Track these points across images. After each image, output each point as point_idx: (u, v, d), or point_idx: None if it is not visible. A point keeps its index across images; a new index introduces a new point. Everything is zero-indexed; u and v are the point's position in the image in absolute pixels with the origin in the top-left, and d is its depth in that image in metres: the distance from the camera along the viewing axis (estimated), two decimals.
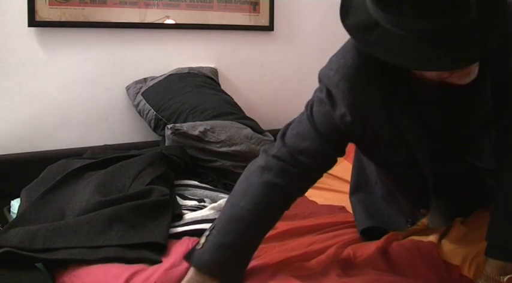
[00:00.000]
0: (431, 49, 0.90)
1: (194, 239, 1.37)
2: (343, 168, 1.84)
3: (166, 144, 2.02)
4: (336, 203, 1.75)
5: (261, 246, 1.22)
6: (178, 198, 1.67)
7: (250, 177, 1.21)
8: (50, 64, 2.13)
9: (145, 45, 2.32)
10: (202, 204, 1.67)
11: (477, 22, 0.89)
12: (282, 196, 1.20)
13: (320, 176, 1.25)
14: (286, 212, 1.25)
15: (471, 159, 1.25)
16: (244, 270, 1.19)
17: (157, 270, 1.23)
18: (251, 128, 2.15)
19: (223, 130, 2.03)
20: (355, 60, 1.08)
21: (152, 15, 2.30)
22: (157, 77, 2.29)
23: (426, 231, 1.41)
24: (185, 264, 1.22)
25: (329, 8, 2.66)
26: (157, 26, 2.33)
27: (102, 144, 2.16)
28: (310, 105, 1.19)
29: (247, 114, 2.30)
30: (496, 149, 1.20)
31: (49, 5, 2.07)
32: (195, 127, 2.00)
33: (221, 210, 1.24)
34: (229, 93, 2.36)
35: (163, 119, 2.16)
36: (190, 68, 2.36)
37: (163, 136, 2.08)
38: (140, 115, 2.25)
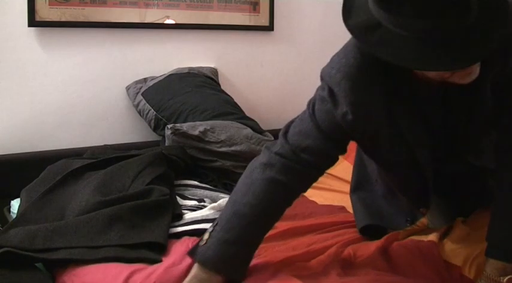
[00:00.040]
0: (431, 49, 0.90)
1: (194, 239, 1.37)
2: (343, 168, 1.84)
3: (166, 144, 2.02)
4: (336, 203, 1.75)
5: (261, 245, 1.23)
6: (178, 198, 1.67)
7: (252, 173, 1.21)
8: (50, 64, 2.13)
9: (145, 45, 2.32)
10: (202, 204, 1.67)
11: (478, 22, 0.89)
12: (284, 193, 1.21)
13: (322, 173, 1.26)
14: (286, 212, 1.25)
15: (471, 159, 1.26)
16: (247, 266, 1.20)
17: (157, 269, 1.23)
18: (251, 128, 2.15)
19: (223, 130, 2.03)
20: (357, 59, 1.08)
21: (152, 15, 2.30)
22: (157, 77, 2.29)
23: (426, 231, 1.42)
24: (185, 263, 1.22)
25: (329, 8, 2.67)
26: (157, 26, 2.33)
27: (102, 144, 2.16)
28: (312, 103, 1.20)
29: (247, 114, 2.30)
30: (496, 149, 1.20)
31: (49, 5, 2.07)
32: (195, 127, 2.00)
33: (224, 207, 1.24)
34: (229, 93, 2.36)
35: (163, 119, 2.16)
36: (190, 68, 2.36)
37: (163, 136, 2.08)
38: (140, 115, 2.25)
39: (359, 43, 1.02)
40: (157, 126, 2.19)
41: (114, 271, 1.24)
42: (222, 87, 2.40)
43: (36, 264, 1.33)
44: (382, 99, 1.10)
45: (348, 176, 1.58)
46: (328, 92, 1.13)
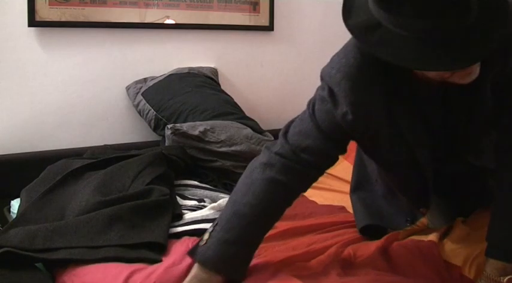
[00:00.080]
0: (431, 49, 0.90)
1: (194, 239, 1.37)
2: (343, 168, 1.84)
3: (166, 144, 2.02)
4: (336, 203, 1.75)
5: (261, 245, 1.23)
6: (178, 198, 1.67)
7: (252, 173, 1.21)
8: (50, 64, 2.13)
9: (145, 45, 2.32)
10: (202, 204, 1.67)
11: (478, 22, 0.89)
12: (284, 193, 1.21)
13: (322, 173, 1.26)
14: (286, 212, 1.25)
15: (471, 159, 1.26)
16: (247, 266, 1.20)
17: (157, 269, 1.23)
18: (251, 128, 2.15)
19: (223, 130, 2.03)
20: (357, 59, 1.08)
21: (152, 15, 2.30)
22: (157, 77, 2.29)
23: (426, 231, 1.42)
24: (185, 263, 1.22)
25: (329, 8, 2.67)
26: (157, 26, 2.33)
27: (102, 144, 2.16)
28: (312, 103, 1.20)
29: (247, 114, 2.30)
30: (496, 149, 1.20)
31: (49, 5, 2.07)
32: (195, 127, 2.00)
33: (224, 207, 1.24)
34: (229, 93, 2.36)
35: (163, 119, 2.16)
36: (190, 68, 2.36)
37: (163, 136, 2.08)
38: (140, 115, 2.25)
39: (359, 43, 1.02)
40: (157, 126, 2.19)
41: (114, 271, 1.24)
42: (222, 87, 2.40)
43: (36, 264, 1.33)
44: (382, 99, 1.10)
45: (348, 176, 1.58)
46: (328, 91, 1.13)
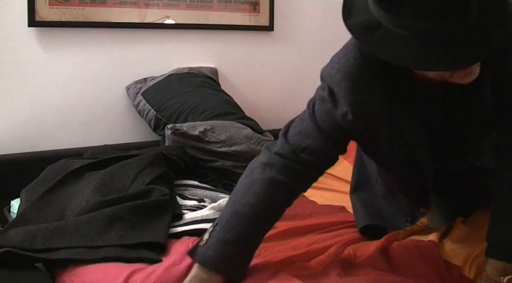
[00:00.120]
0: (431, 49, 0.90)
1: (194, 239, 1.37)
2: (343, 168, 1.84)
3: (166, 144, 2.02)
4: (336, 203, 1.75)
5: (261, 245, 1.23)
6: (178, 198, 1.67)
7: (252, 173, 1.21)
8: (50, 64, 2.13)
9: (145, 45, 2.32)
10: (202, 204, 1.67)
11: (478, 22, 0.89)
12: (284, 193, 1.21)
13: (322, 173, 1.26)
14: (286, 212, 1.25)
15: (471, 159, 1.26)
16: (247, 266, 1.20)
17: (157, 269, 1.23)
18: (251, 128, 2.15)
19: (223, 130, 2.03)
20: (357, 59, 1.08)
21: (152, 15, 2.30)
22: (157, 77, 2.29)
23: (426, 231, 1.42)
24: (185, 263, 1.22)
25: (329, 8, 2.67)
26: (157, 26, 2.33)
27: (102, 144, 2.16)
28: (312, 103, 1.20)
29: (247, 114, 2.30)
30: (496, 149, 1.20)
31: (49, 5, 2.07)
32: (195, 127, 2.00)
33: (224, 207, 1.24)
34: (229, 93, 2.36)
35: (163, 119, 2.16)
36: (190, 68, 2.36)
37: (163, 136, 2.08)
38: (140, 115, 2.25)
39: (359, 43, 1.02)
40: (157, 126, 2.19)
41: (114, 271, 1.24)
42: (222, 87, 2.40)
43: (36, 264, 1.33)
44: (382, 99, 1.10)
45: (348, 176, 1.58)
46: (328, 91, 1.13)
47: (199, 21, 2.41)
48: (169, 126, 2.01)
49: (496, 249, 1.15)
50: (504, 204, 1.16)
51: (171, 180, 1.75)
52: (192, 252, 1.19)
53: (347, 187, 1.57)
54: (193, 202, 1.68)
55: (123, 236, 1.37)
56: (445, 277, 1.22)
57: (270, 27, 2.59)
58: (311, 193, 1.76)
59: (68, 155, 1.91)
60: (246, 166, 1.26)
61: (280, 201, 1.22)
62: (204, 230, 1.26)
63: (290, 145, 1.19)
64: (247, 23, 2.54)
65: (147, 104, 2.19)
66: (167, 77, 2.29)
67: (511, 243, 1.14)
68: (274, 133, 1.88)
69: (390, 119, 1.12)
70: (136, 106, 2.23)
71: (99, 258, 1.30)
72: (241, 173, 1.26)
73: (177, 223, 1.49)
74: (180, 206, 1.60)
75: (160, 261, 1.29)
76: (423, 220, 1.46)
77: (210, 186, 1.85)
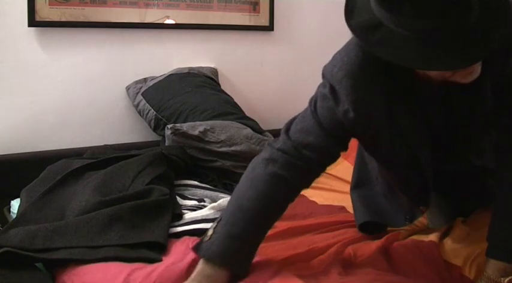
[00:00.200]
0: (431, 49, 0.91)
1: (194, 239, 1.37)
2: (344, 168, 1.84)
3: (166, 144, 2.02)
4: (336, 203, 1.75)
5: (261, 244, 1.22)
6: (178, 198, 1.67)
7: (255, 169, 1.22)
8: (50, 64, 2.13)
9: (145, 45, 2.32)
10: (202, 204, 1.67)
11: (479, 22, 0.89)
12: (286, 188, 1.21)
13: (324, 170, 1.26)
14: (286, 212, 1.25)
15: (472, 158, 1.26)
16: (251, 261, 1.20)
17: (158, 267, 1.23)
18: (251, 128, 2.15)
19: (223, 130, 2.03)
20: (358, 57, 1.08)
21: (152, 15, 2.30)
22: (157, 77, 2.29)
23: (427, 231, 1.42)
24: (186, 261, 1.22)
25: (329, 8, 2.67)
26: (157, 26, 2.33)
27: (102, 144, 2.16)
28: (314, 101, 1.20)
29: (247, 114, 2.30)
30: (496, 149, 1.20)
31: (49, 5, 2.07)
32: (195, 127, 2.00)
33: (227, 203, 1.24)
34: (229, 93, 2.36)
35: (163, 119, 2.16)
36: (190, 68, 2.36)
37: (163, 136, 2.08)
38: (140, 115, 2.25)
39: (360, 42, 1.03)
40: (157, 126, 2.19)
41: (114, 270, 1.24)
42: (222, 87, 2.40)
43: (36, 264, 1.33)
44: (383, 98, 1.10)
45: (348, 176, 1.58)
46: (329, 89, 1.14)
47: (199, 21, 2.41)
48: (169, 126, 2.01)
49: (496, 249, 1.15)
50: (504, 204, 1.17)
51: (171, 180, 1.75)
52: (196, 248, 1.19)
53: (347, 187, 1.57)
54: (193, 202, 1.68)
55: (123, 236, 1.37)
56: (445, 277, 1.22)
57: (270, 27, 2.59)
58: (311, 193, 1.77)
59: (68, 155, 1.91)
60: (246, 166, 1.26)
61: (282, 196, 1.22)
62: (204, 230, 1.26)
63: (292, 142, 1.20)
64: (247, 23, 2.54)
65: (147, 104, 2.19)
66: (167, 77, 2.29)
67: None
68: (274, 133, 1.88)
69: (391, 119, 1.12)
70: (136, 106, 2.23)
71: (99, 258, 1.30)
72: (241, 173, 1.26)
73: (177, 223, 1.49)
74: (180, 206, 1.60)
75: (161, 260, 1.29)
76: (423, 220, 1.46)
77: (210, 186, 1.85)
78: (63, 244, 1.33)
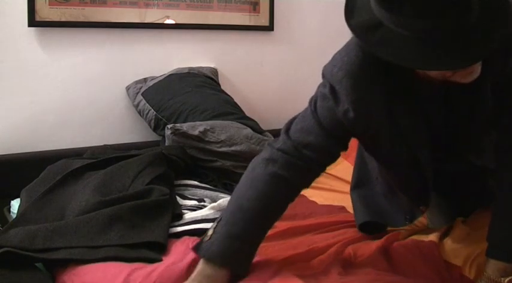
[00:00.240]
0: (431, 49, 0.91)
1: (194, 239, 1.37)
2: (343, 168, 1.84)
3: (166, 144, 2.02)
4: (336, 203, 1.75)
5: (261, 244, 1.22)
6: (178, 198, 1.67)
7: (255, 169, 1.22)
8: (50, 64, 2.13)
9: (145, 45, 2.32)
10: (202, 204, 1.67)
11: (479, 22, 0.89)
12: (286, 188, 1.21)
13: (324, 170, 1.26)
14: (286, 212, 1.25)
15: (472, 158, 1.26)
16: (251, 261, 1.20)
17: (158, 267, 1.23)
18: (251, 128, 2.15)
19: (223, 130, 2.03)
20: (358, 57, 1.08)
21: (152, 15, 2.30)
22: (157, 77, 2.29)
23: (427, 231, 1.42)
24: (186, 261, 1.22)
25: (329, 8, 2.67)
26: (157, 26, 2.33)
27: (102, 144, 2.16)
28: (314, 101, 1.20)
29: (247, 114, 2.30)
30: (496, 149, 1.21)
31: (49, 5, 2.07)
32: (195, 127, 2.00)
33: (227, 203, 1.24)
34: (229, 93, 2.36)
35: (163, 119, 2.16)
36: (190, 68, 2.36)
37: (163, 136, 2.08)
38: (140, 115, 2.25)
39: (360, 42, 1.03)
40: (157, 126, 2.19)
41: (114, 270, 1.24)
42: (222, 87, 2.40)
43: (36, 264, 1.33)
44: (383, 98, 1.10)
45: (348, 176, 1.58)
46: (329, 89, 1.14)
47: (199, 21, 2.41)
48: (169, 126, 2.01)
49: (496, 249, 1.15)
50: (504, 204, 1.17)
51: (171, 180, 1.75)
52: (196, 248, 1.19)
53: (347, 187, 1.57)
54: (193, 202, 1.68)
55: (123, 236, 1.37)
56: (445, 277, 1.22)
57: (270, 27, 2.59)
58: (311, 193, 1.77)
59: (68, 155, 1.91)
60: (246, 166, 1.26)
61: (283, 196, 1.22)
62: (204, 230, 1.26)
63: (292, 142, 1.20)
64: (247, 23, 2.54)
65: (147, 104, 2.19)
66: (167, 77, 2.29)
67: None
68: (274, 133, 1.88)
69: (391, 119, 1.12)
70: (136, 106, 2.23)
71: (99, 258, 1.30)
72: (241, 173, 1.26)
73: (177, 223, 1.49)
74: (180, 206, 1.60)
75: (161, 260, 1.29)
76: (423, 220, 1.46)
77: (210, 186, 1.85)
78: (63, 244, 1.33)
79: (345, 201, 1.62)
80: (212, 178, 1.94)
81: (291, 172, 1.19)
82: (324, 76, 1.16)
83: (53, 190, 1.59)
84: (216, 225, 1.18)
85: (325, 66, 1.16)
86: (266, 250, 1.30)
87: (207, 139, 1.99)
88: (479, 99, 1.12)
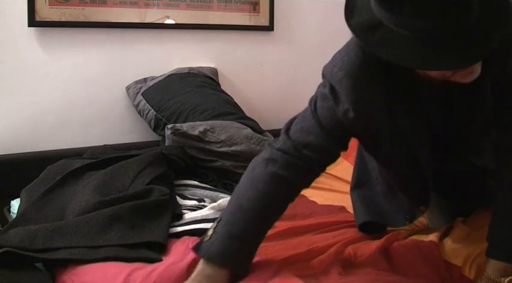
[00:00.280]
0: (431, 49, 0.91)
1: (194, 238, 1.37)
2: (343, 168, 1.84)
3: (166, 144, 2.02)
4: (336, 203, 1.75)
5: (261, 244, 1.22)
6: (178, 198, 1.67)
7: (255, 169, 1.22)
8: (50, 64, 2.13)
9: (145, 45, 2.32)
10: (202, 204, 1.67)
11: (479, 22, 0.89)
12: (286, 188, 1.21)
13: (324, 170, 1.26)
14: (286, 212, 1.25)
15: (472, 158, 1.26)
16: (251, 261, 1.20)
17: (158, 267, 1.23)
18: (251, 128, 2.15)
19: (223, 130, 2.03)
20: (358, 57, 1.08)
21: (152, 15, 2.30)
22: (157, 77, 2.29)
23: (427, 231, 1.42)
24: (186, 261, 1.22)
25: (329, 8, 2.67)
26: (157, 26, 2.33)
27: (102, 144, 2.16)
28: (314, 101, 1.20)
29: (247, 114, 2.30)
30: (496, 149, 1.21)
31: (49, 5, 2.07)
32: (195, 127, 2.00)
33: (227, 203, 1.24)
34: (229, 93, 2.36)
35: (163, 119, 2.16)
36: (190, 68, 2.36)
37: (163, 136, 2.08)
38: (140, 115, 2.25)
39: (360, 42, 1.03)
40: (157, 126, 2.19)
41: (114, 270, 1.24)
42: (222, 87, 2.40)
43: (36, 264, 1.33)
44: (383, 98, 1.10)
45: (348, 176, 1.58)
46: (329, 89, 1.14)
47: (199, 21, 2.41)
48: (169, 126, 2.01)
49: (496, 249, 1.15)
50: (504, 204, 1.17)
51: (171, 180, 1.75)
52: (196, 248, 1.19)
53: (347, 187, 1.57)
54: (193, 202, 1.68)
55: (123, 236, 1.37)
56: (445, 277, 1.22)
57: (270, 27, 2.59)
58: (311, 193, 1.77)
59: (68, 155, 1.91)
60: (246, 166, 1.26)
61: (283, 196, 1.22)
62: (204, 230, 1.26)
63: (292, 142, 1.20)
64: (247, 23, 2.54)
65: (147, 104, 2.19)
66: (167, 77, 2.29)
67: None
68: (274, 133, 1.88)
69: (391, 119, 1.12)
70: (136, 106, 2.23)
71: (99, 258, 1.30)
72: (241, 173, 1.26)
73: (177, 223, 1.49)
74: (180, 206, 1.60)
75: (161, 260, 1.29)
76: (423, 220, 1.46)
77: (210, 186, 1.85)
78: (63, 244, 1.33)
79: (345, 201, 1.62)
80: (212, 178, 1.94)
81: (291, 172, 1.19)
82: (324, 76, 1.16)
83: (53, 190, 1.59)
84: (216, 225, 1.18)
85: (325, 66, 1.16)
86: (266, 250, 1.30)
87: (207, 139, 1.99)
88: (479, 99, 1.12)
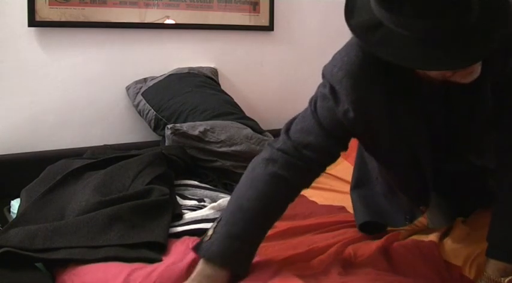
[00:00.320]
0: (431, 49, 0.91)
1: (194, 239, 1.37)
2: (343, 168, 1.84)
3: (166, 144, 2.02)
4: (336, 203, 1.75)
5: (261, 244, 1.22)
6: (178, 198, 1.67)
7: (255, 169, 1.22)
8: (50, 64, 2.13)
9: (145, 45, 2.32)
10: (202, 204, 1.67)
11: (479, 22, 0.89)
12: (286, 188, 1.21)
13: (324, 170, 1.26)
14: (286, 212, 1.25)
15: (472, 158, 1.26)
16: (251, 261, 1.20)
17: (158, 267, 1.23)
18: (251, 128, 2.15)
19: (223, 130, 2.03)
20: (358, 57, 1.08)
21: (152, 15, 2.30)
22: (157, 77, 2.29)
23: (427, 231, 1.42)
24: (186, 261, 1.22)
25: (329, 8, 2.67)
26: (157, 26, 2.33)
27: (102, 144, 2.16)
28: (314, 101, 1.20)
29: (247, 114, 2.30)
30: (496, 149, 1.20)
31: (49, 5, 2.07)
32: (195, 127, 2.00)
33: (227, 203, 1.24)
34: (229, 93, 2.36)
35: (163, 119, 2.16)
36: (190, 68, 2.36)
37: (163, 136, 2.08)
38: (140, 115, 2.25)
39: (360, 42, 1.03)
40: (157, 126, 2.19)
41: (114, 270, 1.24)
42: (222, 87, 2.40)
43: (36, 264, 1.33)
44: (383, 98, 1.10)
45: (348, 176, 1.58)
46: (329, 89, 1.14)
47: (199, 21, 2.41)
48: (169, 126, 2.01)
49: (496, 249, 1.15)
50: (504, 204, 1.17)
51: (171, 180, 1.75)
52: (196, 248, 1.19)
53: (347, 187, 1.57)
54: (193, 202, 1.68)
55: (123, 236, 1.37)
56: (445, 277, 1.22)
57: (270, 27, 2.59)
58: (311, 193, 1.77)
59: (68, 155, 1.91)
60: (246, 166, 1.26)
61: (283, 196, 1.22)
62: (204, 230, 1.26)
63: (292, 142, 1.20)
64: (247, 23, 2.54)
65: (147, 104, 2.19)
66: (167, 77, 2.29)
67: None
68: (274, 133, 1.88)
69: (391, 119, 1.12)
70: (136, 106, 2.23)
71: (99, 258, 1.30)
72: (241, 173, 1.26)
73: (177, 223, 1.49)
74: (180, 206, 1.60)
75: (161, 260, 1.29)
76: (423, 220, 1.46)
77: (210, 186, 1.85)
78: (63, 244, 1.33)
79: (345, 201, 1.62)
80: (212, 178, 1.94)
81: (291, 172, 1.19)
82: (324, 76, 1.16)
83: (53, 190, 1.59)
84: (216, 225, 1.18)
85: (325, 66, 1.16)
86: (266, 250, 1.30)
87: (207, 139, 1.99)
88: (479, 99, 1.12)
